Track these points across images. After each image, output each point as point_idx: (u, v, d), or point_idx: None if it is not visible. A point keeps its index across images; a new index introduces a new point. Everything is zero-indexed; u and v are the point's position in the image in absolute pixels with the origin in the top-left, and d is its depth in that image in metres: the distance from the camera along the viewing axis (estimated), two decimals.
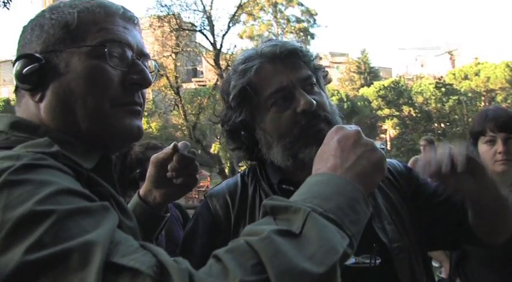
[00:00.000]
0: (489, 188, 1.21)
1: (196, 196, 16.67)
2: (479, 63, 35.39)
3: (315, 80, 1.33)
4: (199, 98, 20.05)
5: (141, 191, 1.31)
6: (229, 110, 1.36)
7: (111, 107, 0.93)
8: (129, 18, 1.00)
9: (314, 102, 1.25)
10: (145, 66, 1.00)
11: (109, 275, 0.60)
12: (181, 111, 19.72)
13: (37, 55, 0.91)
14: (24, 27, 0.98)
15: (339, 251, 0.71)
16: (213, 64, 19.48)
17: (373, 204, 1.28)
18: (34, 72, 0.90)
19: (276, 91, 1.27)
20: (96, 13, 0.95)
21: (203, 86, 24.17)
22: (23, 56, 0.92)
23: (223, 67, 19.28)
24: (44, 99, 0.92)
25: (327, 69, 1.46)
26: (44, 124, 0.91)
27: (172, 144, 1.25)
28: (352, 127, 0.95)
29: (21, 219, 0.64)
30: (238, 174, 1.46)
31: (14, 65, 0.92)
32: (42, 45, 0.92)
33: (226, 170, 19.21)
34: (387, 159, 1.25)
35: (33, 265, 0.60)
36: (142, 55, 1.01)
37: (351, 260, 1.18)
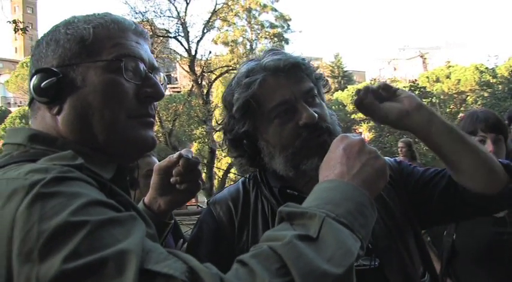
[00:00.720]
0: (433, 121, 1.26)
1: None
2: (450, 66, 36.13)
3: (316, 91, 1.37)
4: (174, 104, 19.94)
5: (146, 199, 1.36)
6: (232, 119, 1.38)
7: (127, 119, 0.96)
8: (141, 33, 1.04)
9: (316, 115, 1.28)
10: (157, 79, 1.03)
11: (145, 281, 0.64)
12: (156, 118, 19.40)
13: (54, 69, 0.93)
14: (38, 42, 1.00)
15: (354, 253, 0.77)
16: (188, 70, 19.42)
17: None
18: (52, 86, 0.92)
19: (279, 104, 1.30)
20: (110, 28, 0.98)
21: (178, 92, 24.07)
22: (40, 70, 0.94)
23: (198, 73, 19.23)
24: (61, 112, 0.94)
25: None
26: (61, 136, 0.94)
27: (177, 153, 1.29)
28: (356, 136, 1.02)
29: (57, 230, 0.66)
30: (240, 181, 1.49)
31: (31, 79, 0.95)
32: (58, 60, 0.95)
33: (203, 176, 19.06)
34: None
35: (71, 274, 0.63)
36: (154, 69, 1.04)
37: None
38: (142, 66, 1.00)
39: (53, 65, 0.94)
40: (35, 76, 0.94)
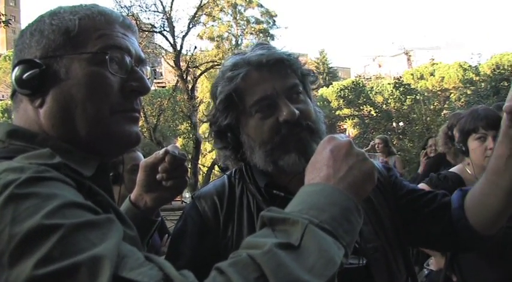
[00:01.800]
0: None
1: None
2: (434, 64, 36.45)
3: (301, 88, 1.35)
4: (159, 99, 19.80)
5: (132, 196, 1.34)
6: (217, 112, 1.38)
7: (111, 113, 0.94)
8: (128, 26, 1.01)
9: (296, 112, 1.26)
10: (143, 73, 1.01)
11: None
12: (141, 113, 19.27)
13: (37, 61, 0.91)
14: (22, 32, 0.98)
15: (337, 263, 0.74)
16: (173, 65, 19.29)
17: None
18: (34, 78, 0.90)
19: (260, 99, 1.29)
20: (96, 20, 0.96)
21: (163, 87, 23.93)
22: (22, 61, 0.92)
23: (183, 68, 19.12)
24: (43, 105, 0.92)
25: None
26: (43, 131, 0.92)
27: (163, 150, 1.28)
28: (344, 137, 0.98)
29: (30, 233, 0.64)
30: (225, 176, 1.48)
31: (13, 70, 0.92)
32: (42, 51, 0.92)
33: (188, 171, 19.02)
34: None
35: (42, 279, 0.61)
36: (140, 61, 1.02)
37: None
38: (128, 59, 0.97)
39: (36, 56, 0.92)
40: (17, 67, 0.91)
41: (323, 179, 0.90)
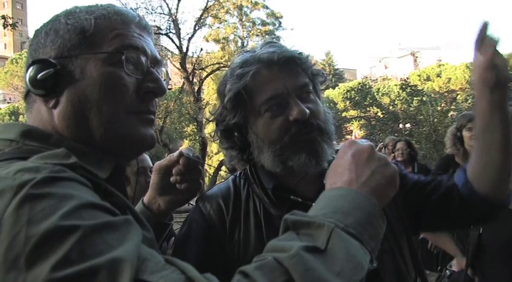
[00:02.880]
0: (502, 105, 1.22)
1: None
2: (441, 65, 36.29)
3: (311, 87, 1.32)
4: (165, 101, 19.81)
5: (145, 199, 1.33)
6: (224, 110, 1.35)
7: (126, 114, 0.92)
8: (144, 27, 1.00)
9: (307, 111, 1.24)
10: (159, 74, 0.99)
11: None
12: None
13: (52, 60, 0.89)
14: (36, 31, 0.96)
15: (365, 267, 0.73)
16: (179, 67, 19.31)
17: None
18: (49, 78, 0.88)
19: (271, 98, 1.26)
20: (112, 20, 0.94)
21: (169, 89, 23.85)
22: (37, 61, 0.90)
23: (189, 70, 19.14)
24: (58, 105, 0.90)
25: None
26: (56, 132, 0.90)
27: (177, 152, 1.26)
28: (365, 142, 0.97)
29: (47, 235, 0.62)
30: (230, 178, 1.45)
31: (27, 70, 0.91)
32: (57, 51, 0.91)
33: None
34: None
35: None
36: (156, 62, 1.00)
37: None
38: (144, 59, 0.96)
39: (50, 56, 0.90)
40: (32, 67, 0.90)
41: (345, 184, 0.89)
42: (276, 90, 1.26)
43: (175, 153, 1.26)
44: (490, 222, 1.41)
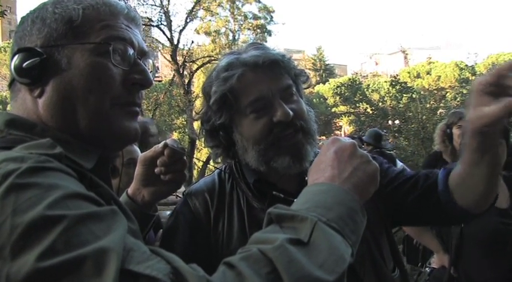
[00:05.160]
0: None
1: None
2: (431, 62, 36.47)
3: (294, 88, 1.37)
4: (155, 93, 19.75)
5: (130, 190, 1.34)
6: (210, 111, 1.39)
7: (111, 106, 0.92)
8: (132, 19, 1.00)
9: (291, 113, 1.28)
10: (146, 66, 1.00)
11: None
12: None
13: (38, 49, 0.89)
14: (23, 19, 0.95)
15: (347, 260, 0.75)
16: (170, 59, 19.24)
17: None
18: (34, 67, 0.88)
19: (256, 100, 1.30)
20: (101, 11, 0.94)
21: (159, 81, 23.83)
22: (23, 49, 0.90)
23: (179, 63, 19.07)
24: (43, 94, 0.90)
25: None
26: (41, 121, 0.90)
27: (162, 143, 1.27)
28: (347, 139, 0.99)
29: (33, 224, 0.62)
30: (215, 172, 1.50)
31: (12, 58, 0.90)
32: (43, 39, 0.90)
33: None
34: None
35: (46, 272, 0.59)
36: (143, 54, 1.01)
37: None
38: (131, 51, 0.96)
39: (37, 45, 0.90)
40: (17, 55, 0.89)
41: (328, 179, 0.90)
42: (260, 92, 1.30)
43: (160, 145, 1.27)
44: (466, 224, 1.42)
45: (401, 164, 5.94)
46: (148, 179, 1.30)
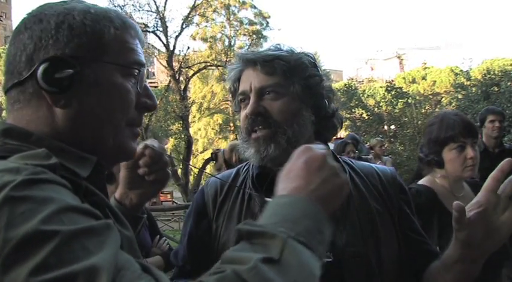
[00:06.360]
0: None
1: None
2: (426, 68, 36.63)
3: (281, 88, 1.40)
4: None
5: (117, 195, 1.36)
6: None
7: (125, 126, 0.96)
8: (142, 40, 1.03)
9: (256, 108, 1.39)
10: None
11: None
12: None
13: (71, 61, 0.88)
14: (38, 17, 0.92)
15: (316, 276, 0.76)
16: (166, 65, 19.27)
17: (344, 206, 1.36)
18: (66, 77, 0.87)
19: (240, 93, 1.46)
20: (128, 33, 0.97)
21: (155, 87, 23.87)
22: (54, 58, 0.87)
23: (175, 68, 19.10)
24: (67, 106, 0.89)
25: None
26: (55, 130, 0.89)
27: (141, 144, 1.29)
28: (320, 147, 0.99)
29: (26, 239, 0.62)
30: (237, 166, 1.63)
31: (39, 65, 0.87)
32: (72, 50, 0.89)
33: (179, 172, 18.98)
34: (385, 168, 1.56)
35: None
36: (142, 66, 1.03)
37: None
38: (143, 74, 1.00)
39: (63, 53, 0.88)
40: (46, 63, 0.86)
41: (295, 190, 0.89)
42: (244, 87, 1.44)
43: (140, 146, 1.28)
44: None
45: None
46: (133, 181, 1.31)
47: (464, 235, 1.14)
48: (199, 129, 27.80)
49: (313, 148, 0.99)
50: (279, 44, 1.49)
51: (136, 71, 0.97)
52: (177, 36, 19.39)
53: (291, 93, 1.40)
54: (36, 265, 0.60)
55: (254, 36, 23.84)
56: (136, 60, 0.97)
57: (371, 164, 1.61)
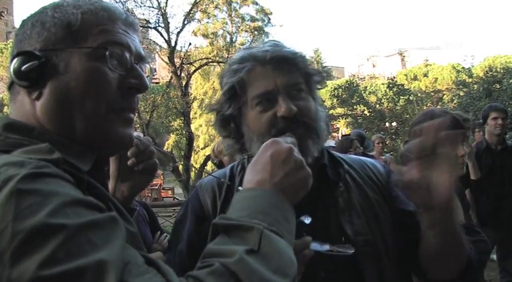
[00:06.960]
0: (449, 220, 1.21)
1: (149, 195, 16.57)
2: (428, 65, 36.60)
3: (303, 86, 1.40)
4: (152, 95, 19.72)
5: (109, 189, 1.32)
6: (222, 102, 1.45)
7: (107, 111, 0.93)
8: (130, 24, 1.01)
9: (294, 109, 1.32)
10: (143, 70, 1.01)
11: None
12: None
13: (37, 53, 0.90)
14: (23, 22, 0.96)
15: (295, 262, 0.82)
16: (167, 61, 19.24)
17: (346, 198, 1.40)
18: (33, 70, 0.89)
19: (262, 94, 1.36)
20: (99, 15, 0.95)
21: (156, 83, 23.82)
22: (22, 53, 0.91)
23: (177, 65, 19.07)
24: (41, 97, 0.91)
25: None
26: (39, 123, 0.91)
27: None
28: (288, 141, 1.04)
29: (34, 232, 0.63)
30: (229, 166, 1.57)
31: (11, 61, 0.92)
32: (42, 43, 0.92)
33: (180, 168, 18.98)
34: (369, 159, 1.59)
35: (47, 281, 0.60)
36: (140, 59, 1.01)
37: (325, 247, 1.22)
38: (128, 55, 0.96)
39: (36, 48, 0.91)
40: (16, 58, 0.90)
41: (259, 183, 0.95)
42: (267, 87, 1.35)
43: None
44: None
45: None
46: (123, 174, 1.33)
47: (421, 198, 1.15)
48: (201, 126, 27.77)
49: (280, 142, 1.03)
50: (274, 40, 1.49)
51: (116, 51, 0.94)
52: (178, 33, 19.34)
53: (307, 90, 1.42)
54: (45, 258, 0.61)
55: (256, 32, 23.77)
56: (110, 40, 0.94)
57: (358, 157, 1.65)
